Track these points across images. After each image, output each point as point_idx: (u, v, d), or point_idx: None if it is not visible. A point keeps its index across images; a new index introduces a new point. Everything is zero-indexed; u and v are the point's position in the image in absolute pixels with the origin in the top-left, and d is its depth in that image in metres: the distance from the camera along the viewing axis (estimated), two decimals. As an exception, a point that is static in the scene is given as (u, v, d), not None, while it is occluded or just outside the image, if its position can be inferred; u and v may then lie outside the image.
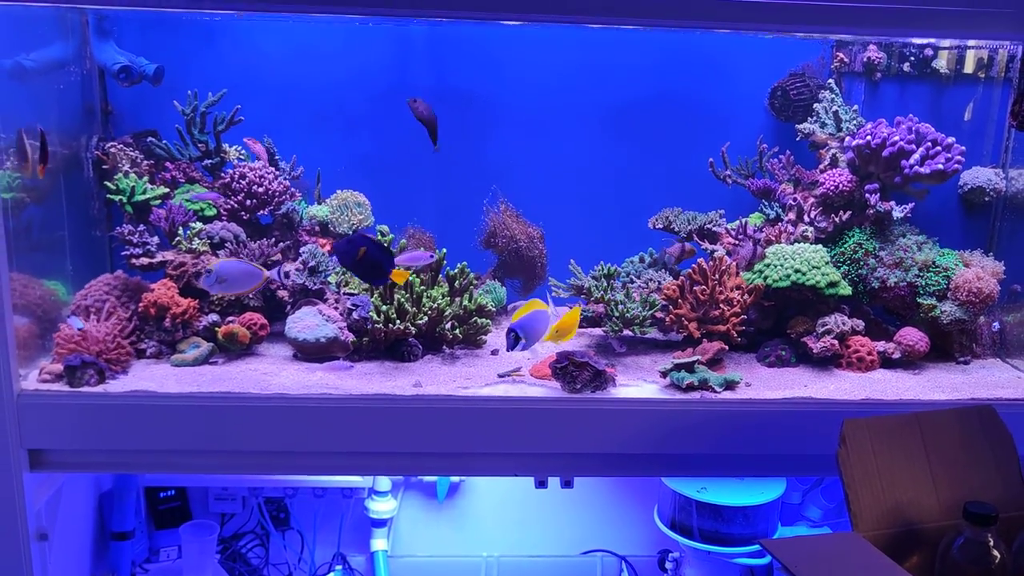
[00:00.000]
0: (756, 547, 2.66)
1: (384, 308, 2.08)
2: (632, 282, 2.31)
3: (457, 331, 2.16)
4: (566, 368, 2.01)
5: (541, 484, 2.07)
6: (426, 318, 2.10)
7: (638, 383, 2.10)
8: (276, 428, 1.90)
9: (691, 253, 2.37)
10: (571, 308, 2.03)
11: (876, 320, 2.29)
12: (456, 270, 2.21)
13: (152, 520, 2.86)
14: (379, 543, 2.96)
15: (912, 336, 2.16)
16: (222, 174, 2.28)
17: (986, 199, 2.35)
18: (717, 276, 2.12)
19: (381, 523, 2.94)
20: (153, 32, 2.34)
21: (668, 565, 2.86)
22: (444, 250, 2.23)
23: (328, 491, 2.92)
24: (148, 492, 2.84)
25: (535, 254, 2.44)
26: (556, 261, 2.44)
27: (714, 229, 2.32)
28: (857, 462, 1.71)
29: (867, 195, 2.18)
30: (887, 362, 2.18)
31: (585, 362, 2.00)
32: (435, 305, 2.12)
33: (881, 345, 2.16)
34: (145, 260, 2.11)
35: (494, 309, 2.23)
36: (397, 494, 2.96)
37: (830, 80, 2.33)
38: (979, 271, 2.14)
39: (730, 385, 2.04)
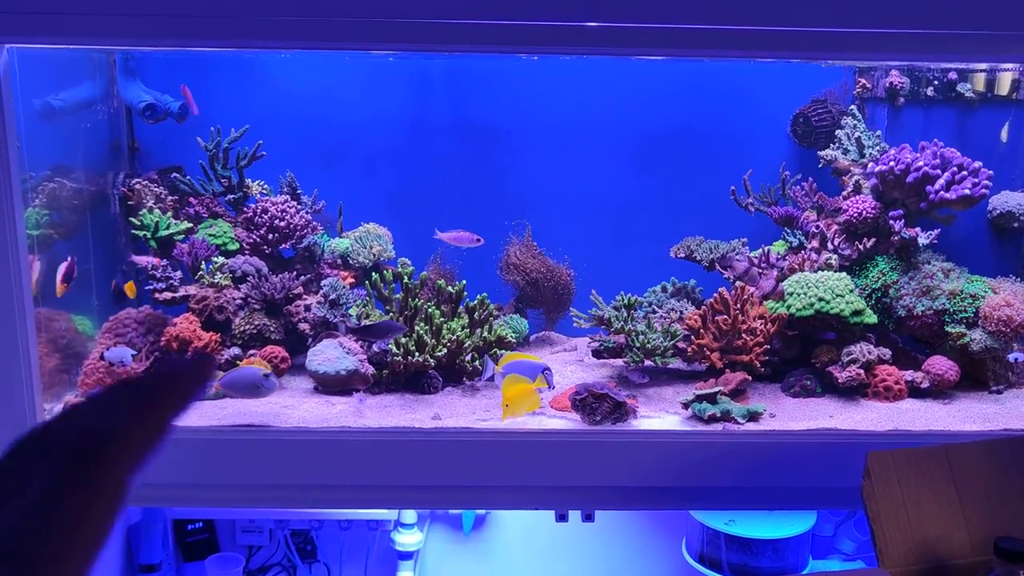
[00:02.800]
0: (786, 582, 2.61)
1: (403, 340, 2.08)
2: (654, 312, 2.30)
3: (477, 363, 2.15)
4: (585, 400, 1.99)
5: (561, 518, 2.05)
6: (445, 350, 2.10)
7: (660, 414, 2.07)
8: (295, 462, 1.90)
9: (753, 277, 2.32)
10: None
11: (904, 349, 2.25)
12: (476, 301, 2.21)
13: (180, 553, 2.88)
14: (405, 576, 2.95)
15: (941, 365, 2.11)
16: (245, 208, 2.31)
17: (1016, 224, 2.30)
18: (739, 305, 2.09)
19: (407, 555, 2.93)
20: (179, 71, 2.38)
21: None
22: (463, 281, 2.23)
23: (354, 523, 2.92)
24: (176, 524, 2.85)
25: (555, 284, 2.43)
26: (583, 291, 2.44)
27: (736, 257, 2.30)
28: (882, 496, 1.67)
29: (891, 222, 2.14)
30: (915, 391, 2.13)
31: (605, 394, 1.99)
32: (454, 337, 2.11)
33: (909, 374, 2.11)
34: (168, 295, 2.14)
35: (515, 340, 2.22)
36: (423, 526, 2.94)
37: (852, 106, 2.30)
38: (1009, 297, 2.10)
39: (753, 416, 2.01)
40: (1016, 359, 2.08)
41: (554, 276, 2.45)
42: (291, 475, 1.92)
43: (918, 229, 2.16)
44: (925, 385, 2.11)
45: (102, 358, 2.03)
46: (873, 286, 2.17)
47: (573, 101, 2.50)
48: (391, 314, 2.16)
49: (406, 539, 2.90)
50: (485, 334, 2.17)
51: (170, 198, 2.30)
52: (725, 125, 2.50)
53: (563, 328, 2.55)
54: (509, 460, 1.94)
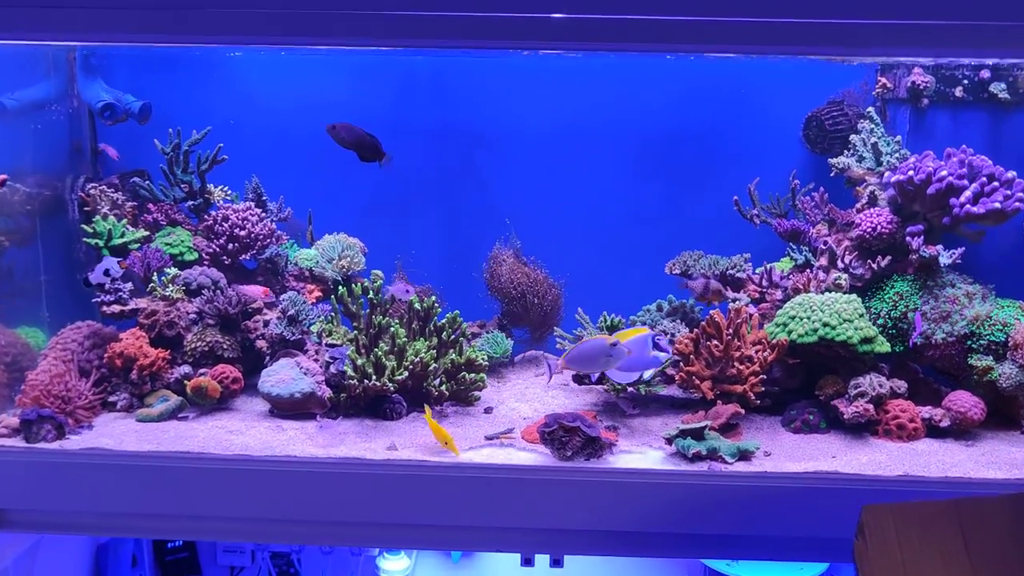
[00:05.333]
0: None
1: (360, 362, 1.91)
2: (645, 334, 2.08)
3: (443, 387, 1.97)
4: (555, 433, 1.80)
5: (527, 562, 1.86)
6: (406, 373, 1.92)
7: (642, 449, 1.87)
8: (233, 492, 1.75)
9: (718, 293, 2.10)
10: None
11: (926, 380, 2.00)
12: (445, 320, 2.03)
13: (160, 573, 2.76)
14: (392, 604, 2.78)
15: (964, 401, 1.86)
16: (206, 216, 2.17)
17: (1059, 242, 2.03)
18: (732, 330, 1.87)
19: (394, 584, 2.77)
20: (144, 70, 2.25)
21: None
22: (433, 297, 2.05)
23: (336, 548, 2.76)
24: (156, 544, 2.73)
25: (543, 301, 2.24)
26: (575, 306, 2.24)
27: (737, 275, 2.08)
28: (877, 557, 1.45)
29: (908, 238, 1.90)
30: (934, 431, 1.88)
31: (576, 427, 1.79)
32: (418, 359, 1.93)
33: (927, 411, 1.87)
34: (117, 308, 2.00)
35: (486, 363, 2.03)
36: (411, 553, 2.78)
37: (870, 108, 2.06)
38: (1044, 327, 1.84)
39: (744, 455, 1.79)
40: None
41: (542, 291, 2.25)
42: (227, 506, 1.76)
43: (939, 247, 1.91)
44: (945, 424, 1.86)
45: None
46: (888, 311, 1.92)
47: (567, 103, 2.31)
48: (357, 331, 1.99)
49: (392, 566, 2.74)
50: (454, 356, 1.99)
51: (129, 204, 2.17)
52: (733, 129, 2.28)
53: (555, 346, 2.35)
54: (468, 497, 1.75)
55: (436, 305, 2.04)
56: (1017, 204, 1.87)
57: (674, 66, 2.25)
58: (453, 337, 2.03)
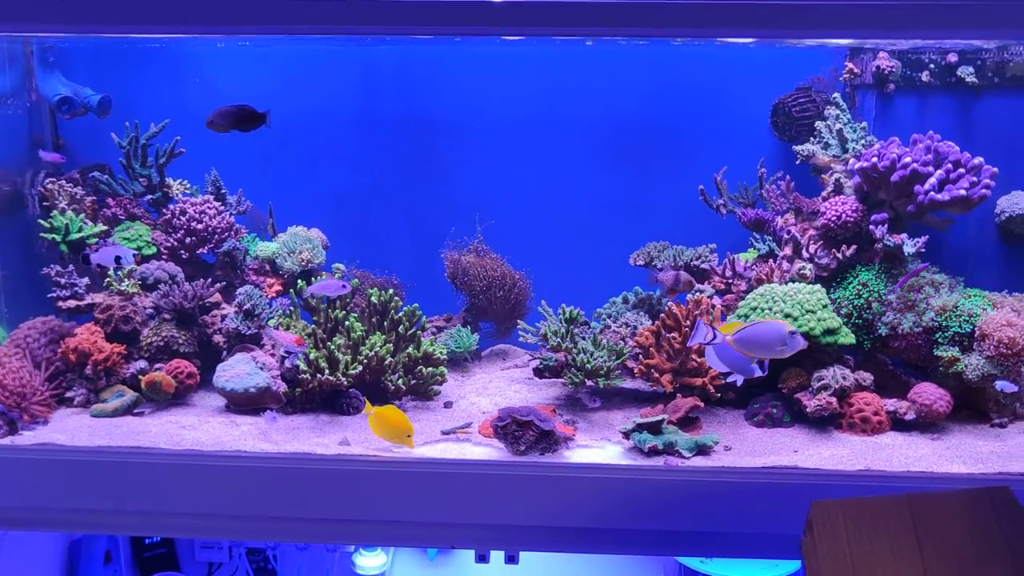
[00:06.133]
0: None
1: (313, 356, 1.88)
2: (609, 327, 2.05)
3: (400, 382, 1.94)
4: (508, 427, 1.76)
5: (481, 558, 1.82)
6: (361, 367, 1.89)
7: (601, 444, 1.83)
8: (184, 487, 1.72)
9: (689, 284, 2.06)
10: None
11: (894, 372, 1.96)
12: (403, 313, 2.00)
13: (137, 569, 2.74)
14: (369, 601, 2.76)
15: (930, 393, 1.81)
16: (164, 210, 2.14)
17: (1029, 230, 1.97)
18: (690, 322, 1.83)
19: (371, 580, 2.75)
20: (105, 63, 2.23)
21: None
22: (391, 291, 2.02)
23: (311, 544, 2.74)
24: (134, 540, 2.72)
25: (508, 294, 2.20)
26: (539, 300, 2.20)
27: (702, 266, 2.03)
28: (826, 555, 1.41)
29: (872, 227, 1.85)
30: (900, 424, 1.84)
31: (529, 421, 1.75)
32: (372, 353, 1.91)
33: (891, 403, 1.82)
34: (73, 303, 1.99)
35: (445, 357, 2.00)
36: (389, 550, 2.75)
37: (836, 94, 2.01)
38: (1010, 315, 1.79)
39: (702, 449, 1.75)
40: (1004, 387, 1.77)
41: (508, 283, 2.22)
42: (179, 502, 1.74)
43: (904, 236, 1.86)
44: (910, 417, 1.82)
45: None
46: (852, 299, 1.87)
47: (532, 93, 2.27)
48: (316, 324, 1.97)
49: (368, 562, 2.72)
50: (411, 351, 1.96)
51: (89, 199, 2.15)
52: (700, 118, 2.24)
53: (517, 339, 2.31)
54: (421, 493, 1.72)
55: (395, 298, 2.01)
56: (983, 191, 1.82)
57: (641, 54, 2.20)
58: (412, 331, 2.00)
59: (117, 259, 1.95)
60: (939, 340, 1.83)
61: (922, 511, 1.41)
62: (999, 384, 1.77)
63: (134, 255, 2.00)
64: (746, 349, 1.63)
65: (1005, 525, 1.40)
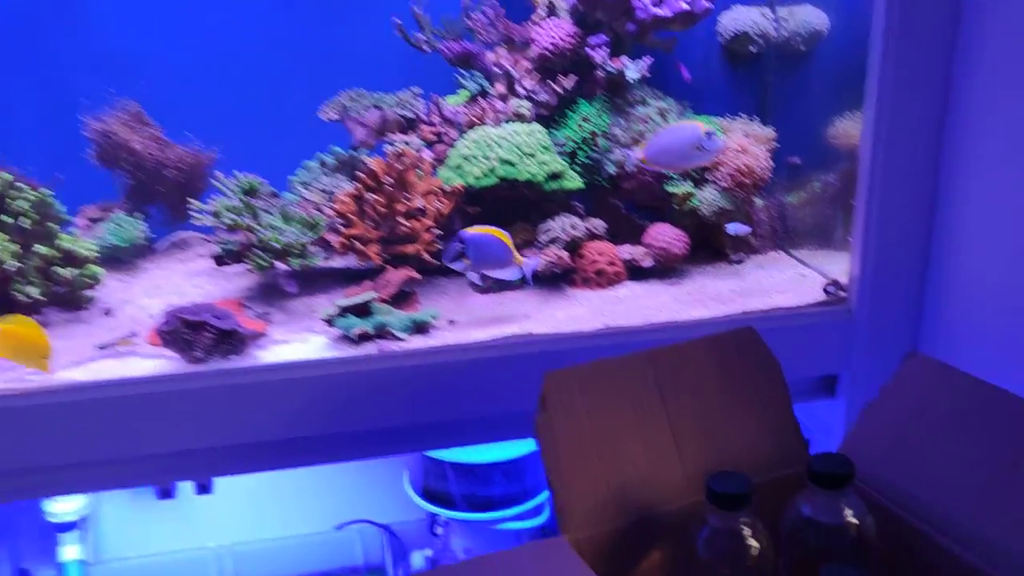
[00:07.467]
0: (524, 508, 2.19)
1: None
2: (304, 197, 1.70)
3: (35, 292, 1.50)
4: (175, 332, 1.40)
5: (165, 494, 1.48)
6: (-30, 278, 1.44)
7: (303, 337, 1.51)
8: None
9: (398, 124, 1.73)
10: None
11: (629, 216, 1.76)
12: (27, 205, 1.54)
13: None
14: (69, 551, 2.33)
15: (665, 235, 1.64)
16: None
17: (753, 48, 1.80)
18: (393, 178, 1.53)
19: (68, 527, 2.30)
20: None
21: (439, 530, 2.37)
22: (9, 176, 1.54)
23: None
24: None
25: (179, 170, 1.79)
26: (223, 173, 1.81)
27: (406, 115, 1.72)
28: (564, 433, 1.17)
29: (590, 51, 1.61)
30: (639, 272, 1.66)
31: (202, 321, 1.40)
32: (-13, 257, 1.45)
33: (626, 251, 1.63)
34: None
35: (93, 253, 1.58)
36: (87, 489, 2.33)
37: None
38: (743, 141, 1.63)
39: (421, 327, 1.48)
40: (736, 231, 1.63)
41: (178, 159, 1.80)
42: None
43: (624, 59, 1.63)
44: (648, 264, 1.64)
45: None
46: (574, 137, 1.64)
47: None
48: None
49: (61, 508, 2.28)
50: (45, 250, 1.52)
51: None
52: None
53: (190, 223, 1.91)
54: (71, 426, 1.33)
55: (14, 187, 1.54)
56: (706, 4, 1.62)
57: None
58: (45, 225, 1.54)
59: None
60: (671, 176, 1.64)
61: (664, 365, 1.21)
62: (730, 227, 1.63)
63: None
64: (662, 164, 1.52)
65: (751, 368, 1.24)
